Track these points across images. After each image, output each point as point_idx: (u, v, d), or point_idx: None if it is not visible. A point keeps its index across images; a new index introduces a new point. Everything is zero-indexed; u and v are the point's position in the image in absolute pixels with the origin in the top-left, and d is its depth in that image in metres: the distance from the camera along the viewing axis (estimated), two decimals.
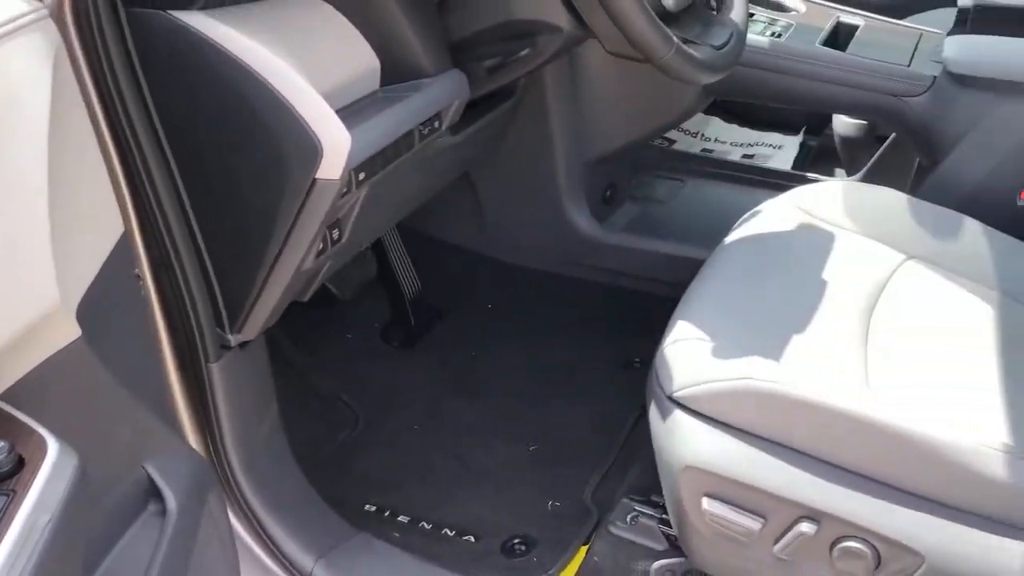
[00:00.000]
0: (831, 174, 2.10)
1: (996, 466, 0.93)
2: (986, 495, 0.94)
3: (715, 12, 1.28)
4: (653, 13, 1.02)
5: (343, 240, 1.09)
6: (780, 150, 2.35)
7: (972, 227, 1.32)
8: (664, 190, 1.93)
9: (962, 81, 1.42)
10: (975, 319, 1.17)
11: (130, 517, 0.77)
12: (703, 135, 2.41)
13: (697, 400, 1.02)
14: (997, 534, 0.93)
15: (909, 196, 1.39)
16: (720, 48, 1.18)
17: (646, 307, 1.72)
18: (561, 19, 1.15)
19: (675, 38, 1.06)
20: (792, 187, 1.74)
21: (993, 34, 1.47)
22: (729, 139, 2.41)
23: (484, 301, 1.85)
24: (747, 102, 2.21)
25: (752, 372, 0.99)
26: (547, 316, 1.79)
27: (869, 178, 1.80)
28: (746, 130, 2.42)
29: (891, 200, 1.38)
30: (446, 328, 1.80)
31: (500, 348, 1.74)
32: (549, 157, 1.66)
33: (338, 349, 1.73)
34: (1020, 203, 1.35)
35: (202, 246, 1.00)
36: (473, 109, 1.31)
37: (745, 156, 2.32)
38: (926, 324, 1.16)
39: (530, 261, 1.78)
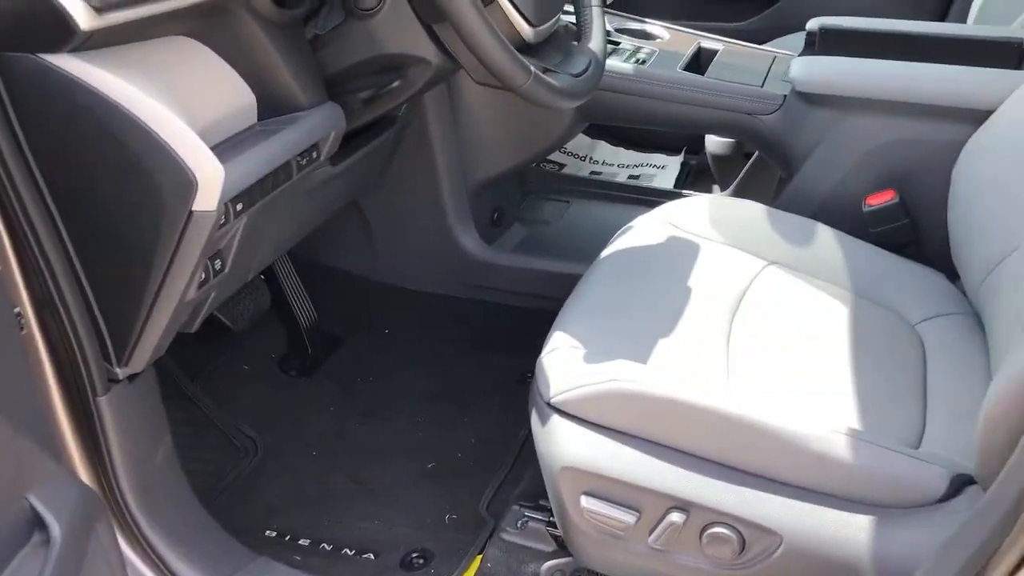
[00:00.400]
0: (708, 190, 2.23)
1: (843, 449, 1.02)
2: (835, 476, 1.02)
3: (576, 42, 1.37)
4: (510, 45, 1.10)
5: (226, 270, 1.12)
6: (663, 170, 2.46)
7: (825, 233, 1.44)
8: (550, 211, 2.01)
9: (808, 99, 1.54)
10: (828, 317, 1.28)
11: (13, 549, 0.78)
12: (591, 158, 2.51)
13: (570, 404, 1.09)
14: (846, 511, 1.02)
15: (768, 207, 1.50)
16: (579, 75, 1.26)
17: (536, 324, 1.78)
18: (429, 52, 1.21)
19: (532, 68, 1.13)
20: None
21: (837, 55, 1.59)
22: (616, 161, 2.52)
23: (380, 326, 1.89)
24: (632, 127, 2.33)
25: (618, 375, 1.07)
26: (442, 337, 1.85)
27: (738, 192, 1.91)
28: (631, 152, 2.54)
29: (752, 211, 1.48)
30: (344, 355, 1.83)
31: (398, 371, 1.79)
32: (434, 183, 1.72)
33: (236, 380, 1.75)
34: (866, 208, 1.47)
35: (84, 282, 1.02)
36: (353, 139, 1.36)
37: (631, 177, 2.43)
38: (783, 324, 1.26)
39: (423, 285, 1.83)
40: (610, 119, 1.79)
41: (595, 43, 1.36)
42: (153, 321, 1.05)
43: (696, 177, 2.39)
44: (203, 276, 1.07)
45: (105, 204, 0.98)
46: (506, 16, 1.18)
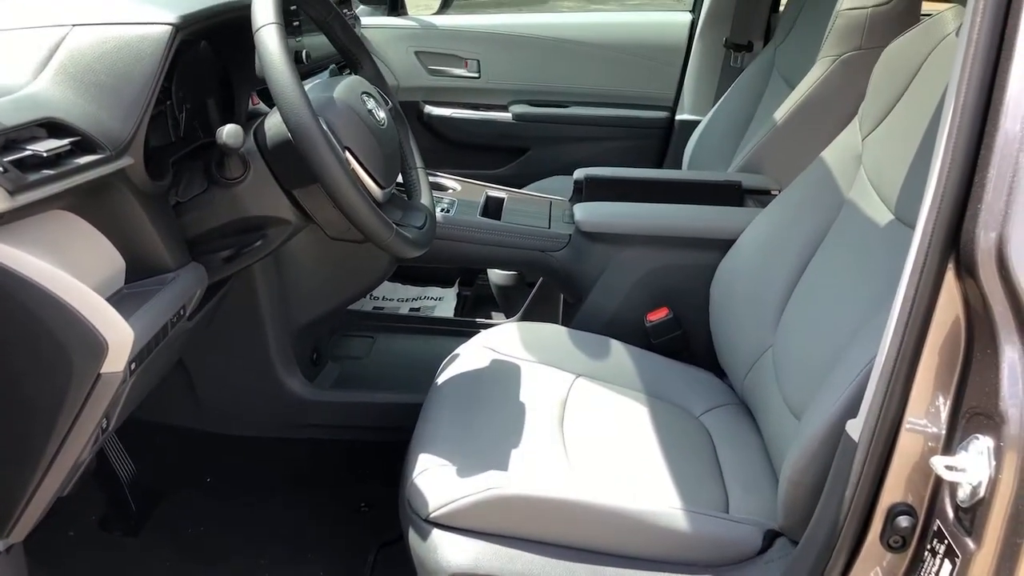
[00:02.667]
0: (489, 316, 2.48)
1: (678, 520, 1.24)
2: (675, 545, 1.23)
3: (408, 198, 1.56)
4: (375, 205, 1.27)
5: (110, 428, 1.16)
6: (441, 301, 2.69)
7: (616, 346, 1.71)
8: (358, 347, 2.15)
9: (590, 237, 1.85)
10: (632, 416, 1.52)
11: None
12: (372, 295, 2.68)
13: (451, 516, 1.22)
14: (688, 574, 1.23)
15: (567, 328, 1.76)
16: (421, 228, 1.45)
17: (363, 455, 1.90)
18: (289, 214, 1.35)
19: (392, 224, 1.31)
20: (462, 331, 2.08)
21: (601, 198, 1.94)
22: (396, 296, 2.70)
23: (204, 475, 1.89)
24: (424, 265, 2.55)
25: (492, 483, 1.23)
26: (271, 479, 1.89)
27: (526, 316, 2.17)
28: (408, 286, 2.74)
29: (555, 333, 1.73)
30: (171, 508, 1.82)
31: (231, 518, 1.80)
32: (258, 328, 1.79)
33: (63, 548, 1.68)
34: (647, 324, 1.77)
35: None
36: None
37: (412, 309, 2.63)
38: (600, 424, 1.48)
39: (248, 430, 1.88)
40: (425, 261, 1.99)
41: (426, 199, 1.56)
42: (44, 487, 1.06)
43: (475, 305, 2.64)
44: (95, 437, 1.10)
45: (10, 372, 1.00)
46: (360, 179, 1.34)
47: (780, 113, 2.11)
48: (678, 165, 2.73)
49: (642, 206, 1.87)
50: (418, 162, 1.64)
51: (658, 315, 1.79)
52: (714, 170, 2.47)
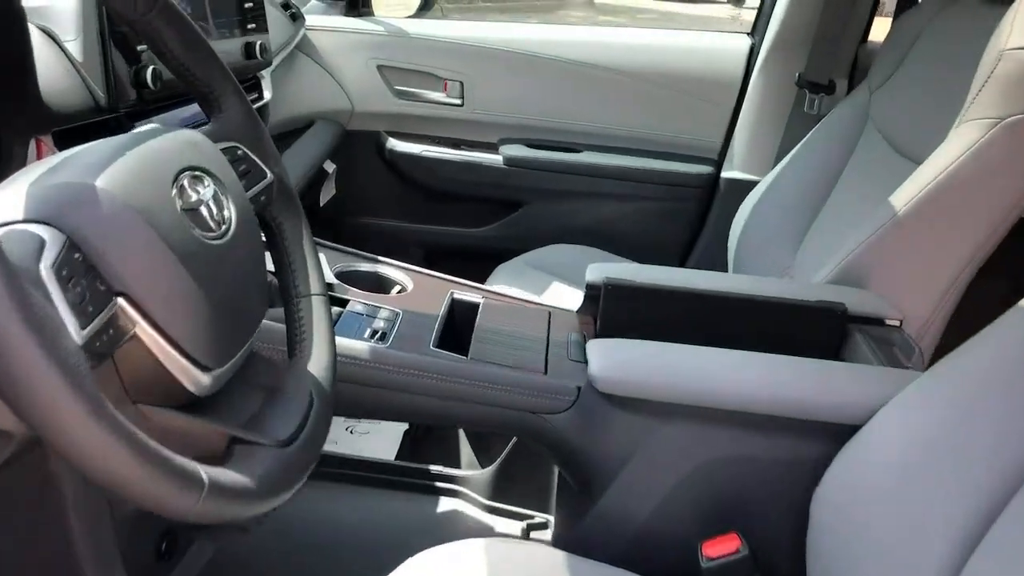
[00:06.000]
0: (450, 458, 1.74)
1: None
2: None
3: (277, 371, 0.82)
4: (167, 454, 0.54)
5: None
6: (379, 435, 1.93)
7: None
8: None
9: (613, 400, 1.12)
10: None
11: None
12: None
13: None
14: None
15: (565, 553, 1.04)
16: (289, 440, 0.73)
17: None
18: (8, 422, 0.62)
19: (204, 473, 0.59)
20: (409, 483, 1.50)
21: (629, 319, 1.21)
22: None
23: None
24: None
25: None
26: None
27: (506, 467, 1.47)
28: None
29: (545, 559, 1.01)
30: None
31: None
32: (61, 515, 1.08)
33: None
34: (705, 561, 1.04)
35: None
36: None
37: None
38: None
39: None
40: (343, 414, 1.27)
41: (318, 363, 0.83)
42: None
43: (419, 447, 1.86)
44: None
45: None
46: (158, 363, 0.64)
47: (898, 198, 1.40)
48: (721, 237, 2.00)
49: (699, 352, 1.14)
50: (315, 286, 0.91)
51: (722, 547, 1.06)
52: (777, 258, 1.76)
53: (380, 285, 1.40)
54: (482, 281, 1.96)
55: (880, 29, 2.10)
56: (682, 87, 2.17)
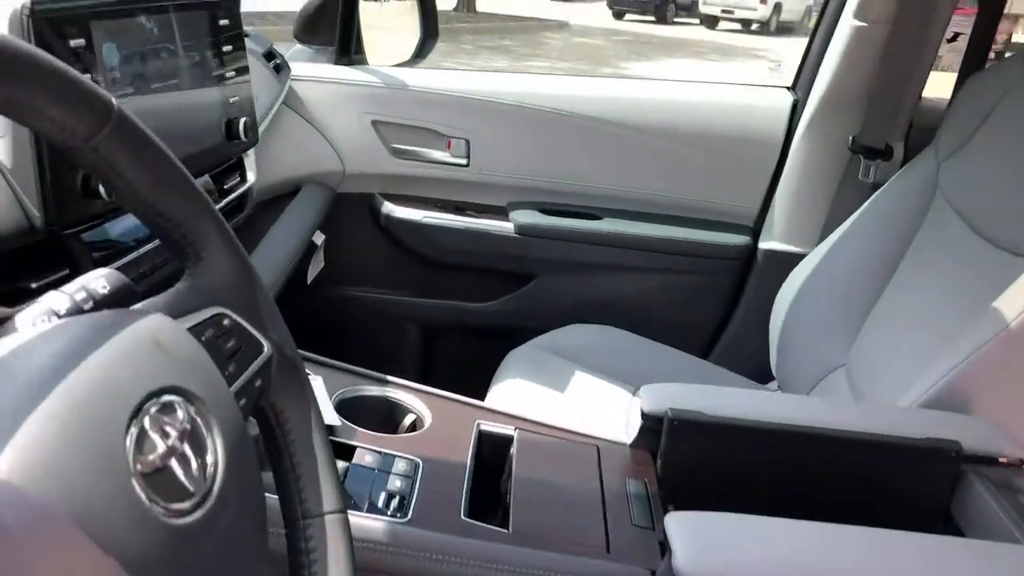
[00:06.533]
0: None
1: None
2: None
3: None
4: None
5: None
6: None
7: None
8: None
9: None
10: None
11: None
12: None
13: None
14: None
15: None
16: None
17: None
18: None
19: None
20: None
21: (696, 457, 0.97)
22: None
23: None
24: None
25: None
26: None
27: None
28: None
29: None
30: None
31: None
32: None
33: None
34: None
35: None
36: None
37: None
38: None
39: None
40: None
41: None
42: None
43: None
44: None
45: None
46: None
47: (1007, 303, 1.17)
48: (759, 316, 1.77)
49: (809, 534, 0.89)
50: (329, 502, 0.66)
51: None
52: (829, 352, 1.53)
53: (391, 416, 1.15)
54: (492, 369, 1.71)
55: (934, 85, 1.89)
56: (715, 147, 1.93)
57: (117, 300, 0.77)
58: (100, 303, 0.75)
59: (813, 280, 1.67)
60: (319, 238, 1.85)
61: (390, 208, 1.98)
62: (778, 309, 1.71)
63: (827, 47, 1.83)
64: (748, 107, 1.96)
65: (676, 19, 22.04)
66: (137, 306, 0.60)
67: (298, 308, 1.25)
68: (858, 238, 1.63)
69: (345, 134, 1.93)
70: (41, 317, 0.72)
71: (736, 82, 2.06)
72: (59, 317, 0.73)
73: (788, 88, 1.97)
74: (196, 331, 0.59)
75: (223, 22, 1.20)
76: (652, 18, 21.48)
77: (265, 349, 0.65)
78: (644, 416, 1.11)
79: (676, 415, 1.08)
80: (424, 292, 2.03)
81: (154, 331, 0.52)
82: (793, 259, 1.78)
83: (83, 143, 0.55)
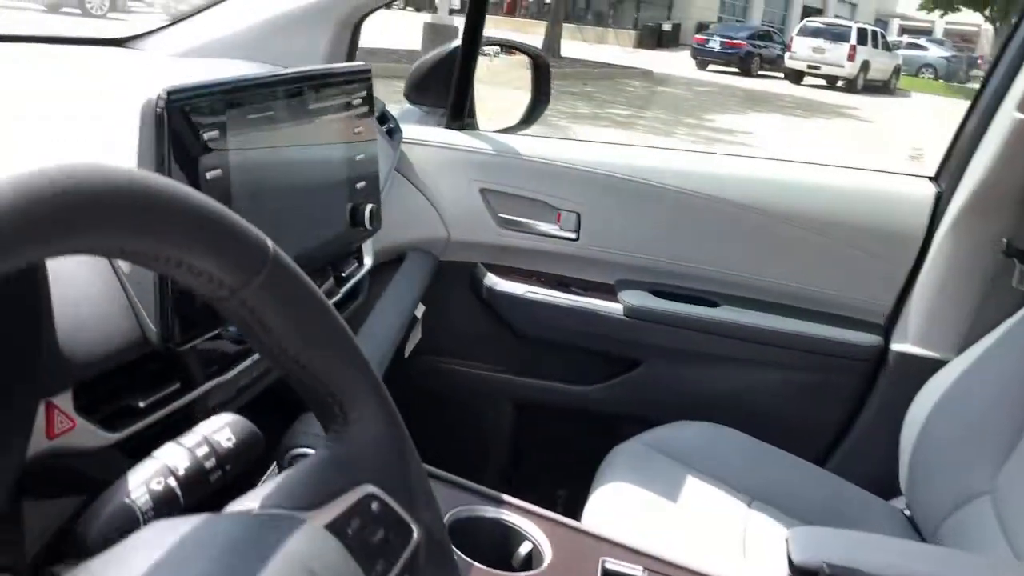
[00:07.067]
0: None
1: None
2: None
3: None
4: None
5: None
6: None
7: None
8: None
9: None
10: None
11: None
12: None
13: None
14: None
15: None
16: None
17: None
18: None
19: None
20: None
21: None
22: None
23: None
24: None
25: None
26: None
27: None
28: None
29: None
30: None
31: None
32: None
33: None
34: None
35: None
36: None
37: None
38: None
39: None
40: None
41: None
42: None
43: None
44: None
45: None
46: None
47: None
48: (888, 424, 1.61)
49: None
50: None
51: None
52: (972, 477, 1.38)
53: (505, 542, 1.03)
54: (588, 456, 1.59)
55: None
56: (846, 236, 1.79)
57: (243, 454, 0.68)
58: (223, 459, 0.66)
59: (956, 392, 1.51)
60: (419, 309, 1.76)
61: (493, 280, 1.88)
62: (913, 420, 1.56)
63: (980, 139, 1.68)
64: (885, 195, 1.82)
65: (760, 72, 21.84)
66: (279, 485, 0.50)
67: (387, 377, 1.15)
68: (1012, 350, 1.47)
69: (452, 200, 1.85)
70: (156, 479, 0.63)
71: (873, 168, 1.91)
72: (176, 478, 0.64)
73: (930, 178, 1.82)
74: (341, 525, 0.49)
75: (357, 98, 1.11)
76: (736, 70, 21.33)
77: (415, 535, 0.54)
78: (794, 567, 0.98)
79: (834, 572, 0.95)
80: (522, 369, 1.92)
81: (305, 557, 0.42)
82: (930, 364, 1.62)
83: (229, 294, 0.45)
